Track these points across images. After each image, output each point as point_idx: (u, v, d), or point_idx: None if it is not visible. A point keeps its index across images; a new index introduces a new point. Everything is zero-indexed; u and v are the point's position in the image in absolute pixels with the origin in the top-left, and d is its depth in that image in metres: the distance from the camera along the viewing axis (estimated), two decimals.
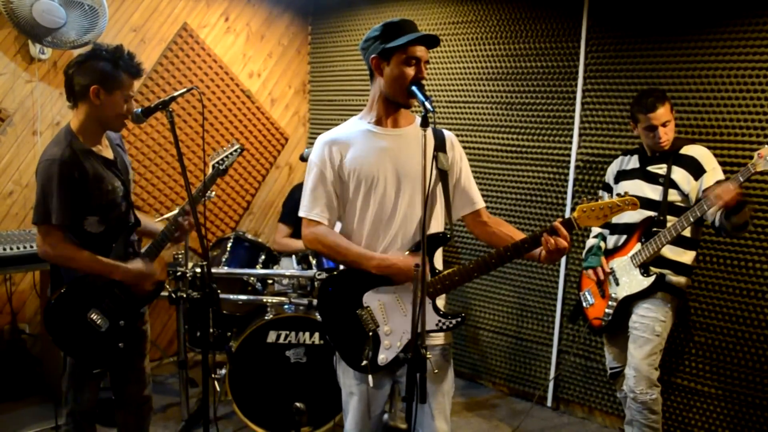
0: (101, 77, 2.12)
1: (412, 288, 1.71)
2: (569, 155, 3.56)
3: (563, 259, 3.61)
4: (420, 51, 1.90)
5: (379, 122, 2.01)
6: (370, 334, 1.94)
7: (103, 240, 2.24)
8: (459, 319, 1.94)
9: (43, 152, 2.16)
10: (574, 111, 3.52)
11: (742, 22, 2.96)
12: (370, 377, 1.91)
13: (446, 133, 2.09)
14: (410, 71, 1.89)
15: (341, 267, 2.07)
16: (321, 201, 1.98)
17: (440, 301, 2.00)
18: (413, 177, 1.95)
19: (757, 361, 3.01)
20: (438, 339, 2.02)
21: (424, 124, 1.72)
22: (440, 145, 2.03)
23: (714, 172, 2.67)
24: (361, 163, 1.96)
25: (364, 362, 1.91)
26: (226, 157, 2.56)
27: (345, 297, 1.98)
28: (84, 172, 2.13)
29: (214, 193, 2.55)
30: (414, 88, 1.85)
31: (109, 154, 2.29)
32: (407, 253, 1.94)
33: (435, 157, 1.98)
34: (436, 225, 2.02)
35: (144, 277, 2.29)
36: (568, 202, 3.59)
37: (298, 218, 4.13)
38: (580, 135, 3.52)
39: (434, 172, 1.98)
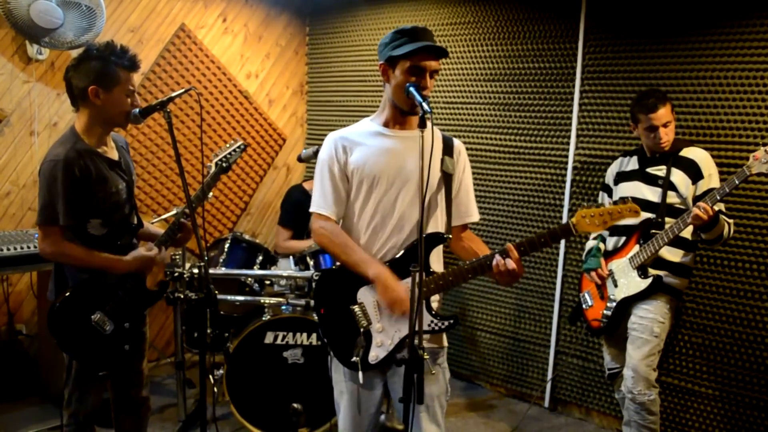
0: (97, 76, 2.11)
1: (409, 287, 1.71)
2: (567, 156, 3.56)
3: (560, 261, 3.62)
4: (425, 61, 1.88)
5: (387, 124, 2.02)
6: (362, 330, 1.93)
7: (106, 242, 2.24)
8: (451, 321, 1.94)
9: (47, 153, 2.15)
10: (571, 112, 3.52)
11: (739, 24, 2.96)
12: (360, 374, 1.90)
13: (456, 141, 2.10)
14: (413, 80, 1.88)
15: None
16: (330, 196, 2.00)
17: (434, 303, 2.00)
18: (415, 179, 1.95)
19: (753, 362, 3.01)
20: (429, 341, 2.01)
21: (422, 125, 1.73)
22: (448, 150, 2.04)
23: (710, 179, 2.69)
24: (365, 162, 1.97)
25: (355, 359, 1.90)
26: (230, 154, 2.52)
27: (340, 291, 1.98)
28: (86, 170, 2.12)
29: (212, 194, 2.53)
30: (411, 88, 1.84)
31: (114, 155, 2.29)
32: (405, 286, 1.88)
33: (441, 160, 1.99)
34: (435, 228, 2.01)
35: (146, 260, 2.28)
36: (566, 203, 3.59)
37: (298, 220, 4.10)
38: (578, 136, 3.52)
39: (438, 174, 1.99)
